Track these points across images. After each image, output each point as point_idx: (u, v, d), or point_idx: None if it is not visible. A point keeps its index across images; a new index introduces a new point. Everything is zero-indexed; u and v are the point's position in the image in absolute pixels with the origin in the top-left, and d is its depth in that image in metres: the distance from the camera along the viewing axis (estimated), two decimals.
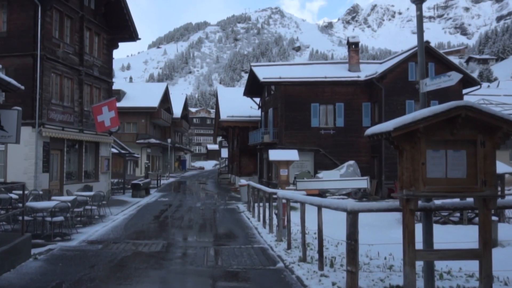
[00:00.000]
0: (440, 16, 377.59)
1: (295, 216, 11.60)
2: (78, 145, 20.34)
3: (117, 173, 28.69)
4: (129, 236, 11.29)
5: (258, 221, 14.11)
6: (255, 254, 8.98)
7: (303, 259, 7.96)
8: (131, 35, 23.07)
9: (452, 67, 24.06)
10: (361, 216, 5.74)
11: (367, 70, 26.02)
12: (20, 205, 11.95)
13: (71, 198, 12.57)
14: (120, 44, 23.47)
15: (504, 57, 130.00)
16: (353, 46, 27.21)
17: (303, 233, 8.05)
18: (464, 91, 24.79)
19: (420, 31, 5.91)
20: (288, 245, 9.29)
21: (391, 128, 4.72)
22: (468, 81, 24.35)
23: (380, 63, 28.44)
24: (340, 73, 26.18)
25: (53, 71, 17.82)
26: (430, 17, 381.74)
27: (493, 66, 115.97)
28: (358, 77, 25.12)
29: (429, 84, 5.59)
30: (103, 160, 22.36)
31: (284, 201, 10.26)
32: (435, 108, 4.79)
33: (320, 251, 6.83)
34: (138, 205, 19.60)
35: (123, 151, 27.70)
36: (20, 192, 15.03)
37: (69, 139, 19.02)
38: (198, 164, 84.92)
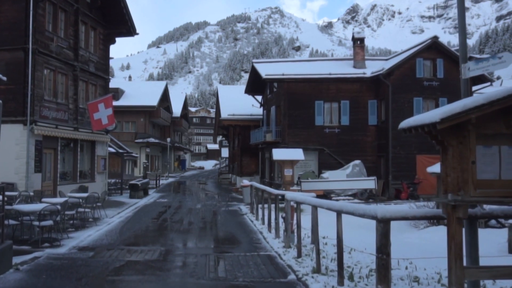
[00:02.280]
0: (439, 16, 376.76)
1: (303, 220, 10.77)
2: (73, 144, 19.46)
3: (115, 173, 27.84)
4: (124, 242, 10.43)
5: (262, 224, 13.26)
6: (263, 264, 8.12)
7: (317, 270, 7.09)
8: (129, 30, 22.16)
9: None
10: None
11: (372, 67, 25.15)
12: (8, 207, 11.13)
13: (62, 200, 11.69)
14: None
15: None
16: (358, 42, 26.34)
17: (317, 240, 7.19)
18: (474, 88, 23.90)
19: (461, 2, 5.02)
20: (298, 253, 8.43)
21: (438, 119, 3.85)
22: (478, 78, 23.45)
23: (386, 59, 27.55)
24: (345, 69, 25.31)
25: (46, 66, 16.93)
26: (429, 17, 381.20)
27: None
28: (364, 73, 24.25)
29: (474, 69, 4.73)
30: (99, 159, 21.49)
31: (293, 204, 9.41)
32: (490, 94, 3.94)
33: (340, 264, 5.96)
34: (136, 206, 18.74)
35: (120, 150, 26.81)
36: (10, 193, 14.23)
37: (63, 138, 18.11)
38: (198, 164, 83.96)
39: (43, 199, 12.36)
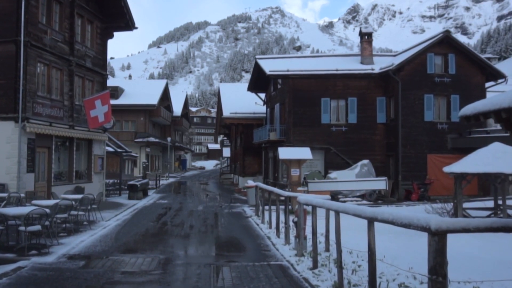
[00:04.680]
0: (440, 16, 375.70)
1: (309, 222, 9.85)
2: (68, 143, 18.52)
3: (114, 173, 26.94)
4: (120, 248, 9.50)
5: (269, 228, 12.33)
6: (275, 276, 7.17)
7: (339, 285, 6.15)
8: (127, 24, 21.19)
9: (475, 59, 22.24)
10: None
11: (380, 63, 24.18)
12: None
13: (52, 202, 10.76)
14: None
15: (506, 56, 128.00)
16: (365, 37, 25.36)
17: (339, 251, 6.24)
18: (486, 84, 22.95)
19: None
20: (314, 263, 7.49)
21: None
22: (491, 74, 22.54)
23: (394, 55, 26.61)
24: (352, 65, 24.33)
25: (40, 60, 15.98)
26: (430, 17, 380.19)
27: (496, 65, 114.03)
28: (372, 69, 23.28)
29: None
30: (96, 159, 20.55)
31: (306, 207, 8.47)
32: None
33: (373, 283, 5.00)
34: (134, 208, 17.83)
35: (119, 150, 25.88)
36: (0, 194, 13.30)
37: (58, 136, 17.17)
38: (198, 163, 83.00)
39: (33, 201, 11.43)
